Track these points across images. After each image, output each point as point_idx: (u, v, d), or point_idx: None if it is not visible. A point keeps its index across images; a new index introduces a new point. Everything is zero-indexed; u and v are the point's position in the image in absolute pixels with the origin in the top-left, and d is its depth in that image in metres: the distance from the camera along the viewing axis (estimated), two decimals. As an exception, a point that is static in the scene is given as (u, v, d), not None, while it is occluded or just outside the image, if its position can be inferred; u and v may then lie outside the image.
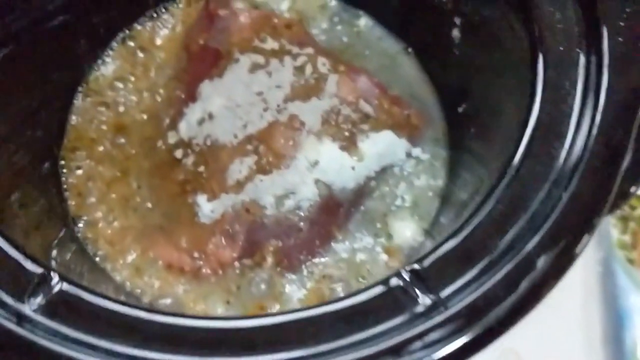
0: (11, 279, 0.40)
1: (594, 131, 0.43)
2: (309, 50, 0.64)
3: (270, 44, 0.64)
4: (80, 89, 0.67)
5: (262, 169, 0.59)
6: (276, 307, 0.58)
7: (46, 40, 0.60)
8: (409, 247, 0.61)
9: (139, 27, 0.70)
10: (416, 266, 0.40)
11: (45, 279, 0.40)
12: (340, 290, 0.59)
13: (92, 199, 0.63)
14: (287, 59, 0.63)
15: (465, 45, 0.60)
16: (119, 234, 0.61)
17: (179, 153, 0.61)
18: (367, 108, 0.62)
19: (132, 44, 0.69)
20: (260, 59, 0.63)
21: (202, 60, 0.66)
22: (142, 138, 0.65)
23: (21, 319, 0.38)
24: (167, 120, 0.64)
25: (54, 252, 0.55)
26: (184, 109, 0.63)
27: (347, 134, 0.61)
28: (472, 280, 0.39)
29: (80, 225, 0.62)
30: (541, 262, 0.39)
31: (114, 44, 0.69)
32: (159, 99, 0.67)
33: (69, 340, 0.37)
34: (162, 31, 0.70)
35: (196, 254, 0.59)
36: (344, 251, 0.61)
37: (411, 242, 0.61)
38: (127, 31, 0.69)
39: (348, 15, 0.71)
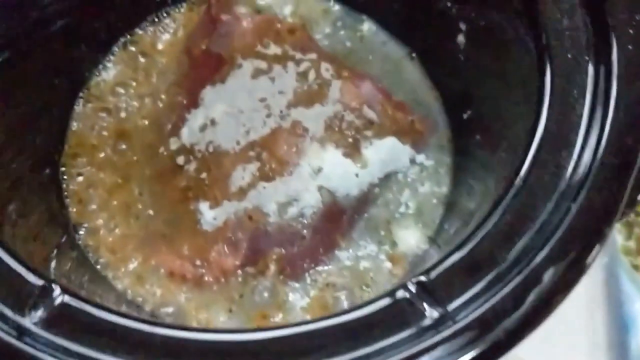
0: (11, 291, 0.39)
1: (603, 140, 0.42)
2: (312, 55, 0.63)
3: (273, 50, 0.64)
4: (81, 94, 0.67)
5: (265, 176, 0.58)
6: (279, 316, 0.58)
7: (46, 44, 0.60)
8: (413, 255, 0.60)
9: (140, 32, 0.69)
10: (423, 278, 0.39)
11: (46, 291, 0.39)
12: (343, 299, 0.58)
13: (93, 206, 0.62)
14: (290, 65, 0.62)
15: (470, 51, 0.59)
16: (121, 241, 0.61)
17: (181, 159, 0.61)
18: (371, 114, 0.61)
19: (133, 48, 0.69)
20: (263, 65, 0.63)
21: (204, 66, 0.65)
22: (143, 144, 0.64)
23: (22, 332, 0.37)
24: (169, 126, 0.64)
25: (55, 261, 0.55)
26: (186, 115, 0.62)
27: (350, 140, 0.60)
28: (480, 293, 0.38)
29: (81, 232, 0.61)
30: (550, 275, 0.38)
31: (115, 49, 0.68)
32: (160, 104, 0.66)
33: (71, 354, 0.37)
34: (164, 36, 0.69)
35: (198, 262, 0.58)
36: (348, 259, 0.60)
37: (415, 250, 0.60)
38: (128, 36, 0.69)
39: (351, 20, 0.70)
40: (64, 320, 0.38)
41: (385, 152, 0.60)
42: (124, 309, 0.55)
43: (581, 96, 0.44)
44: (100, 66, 0.68)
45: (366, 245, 0.61)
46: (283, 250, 0.59)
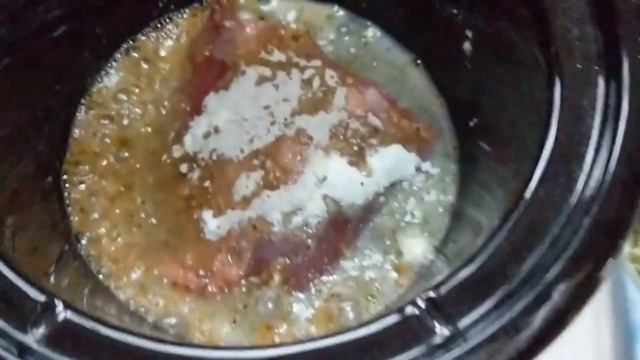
0: (12, 307, 0.39)
1: (615, 152, 0.42)
2: (317, 62, 0.63)
3: (277, 56, 0.63)
4: (82, 101, 0.66)
5: (269, 185, 0.58)
6: (283, 327, 0.57)
7: (48, 50, 0.59)
8: (419, 265, 0.60)
9: (142, 38, 0.69)
10: (432, 294, 0.39)
11: (49, 307, 0.39)
12: (349, 310, 0.57)
13: (95, 215, 0.61)
14: (295, 72, 0.62)
15: (477, 59, 0.58)
16: (123, 250, 0.60)
17: (184, 167, 0.60)
18: (376, 122, 0.61)
19: (136, 55, 0.68)
20: (267, 72, 0.62)
21: (208, 72, 0.64)
22: (146, 152, 0.64)
23: (23, 350, 0.37)
24: (172, 134, 0.63)
25: (56, 272, 0.54)
26: (189, 122, 0.62)
27: (355, 148, 0.59)
28: (491, 310, 0.37)
29: (83, 241, 0.60)
30: (563, 291, 0.37)
31: (118, 55, 0.68)
32: (163, 111, 0.66)
33: (74, 373, 0.36)
34: (167, 42, 0.68)
35: (202, 272, 0.58)
36: (353, 269, 0.60)
37: (421, 260, 0.60)
38: (130, 42, 0.68)
39: (356, 26, 0.70)
40: (66, 338, 0.37)
41: (390, 160, 0.60)
42: (126, 320, 0.55)
43: (591, 107, 0.43)
44: (103, 72, 0.67)
45: (371, 254, 0.60)
46: (287, 260, 0.58)
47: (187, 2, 0.70)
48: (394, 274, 0.59)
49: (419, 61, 0.68)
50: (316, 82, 0.61)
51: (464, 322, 0.37)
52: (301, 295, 0.58)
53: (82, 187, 0.62)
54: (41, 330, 0.37)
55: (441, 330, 0.37)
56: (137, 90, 0.66)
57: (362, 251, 0.60)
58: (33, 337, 0.37)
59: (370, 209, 0.60)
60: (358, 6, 0.69)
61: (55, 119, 0.63)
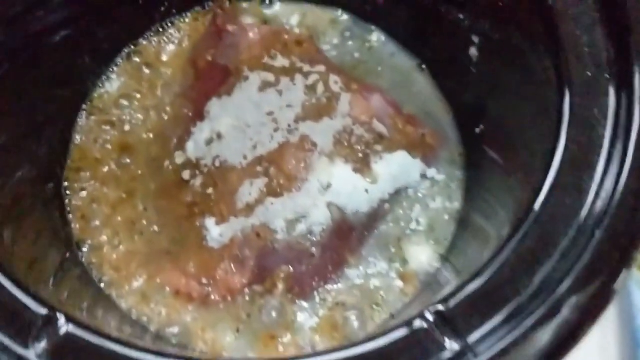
0: (13, 320, 0.38)
1: (627, 162, 0.41)
2: (321, 67, 0.62)
3: (281, 62, 0.62)
4: (84, 106, 0.65)
5: (273, 192, 0.57)
6: (287, 337, 0.56)
7: (47, 55, 0.58)
8: (425, 273, 0.59)
9: (144, 43, 0.68)
10: (441, 307, 0.38)
11: (50, 321, 0.38)
12: (354, 319, 0.57)
13: (97, 222, 0.61)
14: (299, 77, 0.61)
15: (483, 64, 0.58)
16: (125, 258, 0.59)
17: (186, 174, 0.60)
18: (381, 128, 0.60)
19: (137, 59, 0.67)
20: (270, 77, 0.61)
21: (210, 78, 0.64)
22: (148, 158, 0.63)
23: (25, 365, 0.36)
24: (174, 140, 0.62)
25: (57, 281, 0.53)
26: (192, 128, 0.61)
27: (360, 155, 0.59)
28: (502, 324, 0.37)
29: (85, 249, 0.60)
30: (575, 305, 0.37)
31: (119, 60, 0.67)
32: (165, 117, 0.65)
33: (76, 390, 0.35)
34: (169, 46, 0.68)
35: (204, 280, 0.57)
36: (358, 277, 0.59)
37: (427, 268, 0.59)
38: (132, 46, 0.68)
39: (360, 30, 0.69)
40: (68, 352, 0.37)
41: (395, 166, 0.59)
42: (128, 330, 0.54)
43: (602, 116, 0.43)
44: (104, 78, 0.66)
45: (376, 262, 0.60)
46: (291, 269, 0.57)
47: (189, 6, 0.69)
48: (400, 283, 0.59)
49: (424, 66, 0.67)
50: (320, 88, 0.60)
51: (474, 337, 0.36)
52: (305, 304, 0.58)
53: (84, 194, 0.62)
54: (43, 345, 0.37)
55: (451, 345, 0.36)
56: (138, 96, 0.66)
57: (367, 259, 0.60)
58: (34, 352, 0.36)
59: (375, 217, 0.60)
60: (362, 10, 0.68)
61: (55, 124, 0.62)
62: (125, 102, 0.65)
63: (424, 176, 0.62)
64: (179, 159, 0.61)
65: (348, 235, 0.58)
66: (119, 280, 0.58)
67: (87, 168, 0.63)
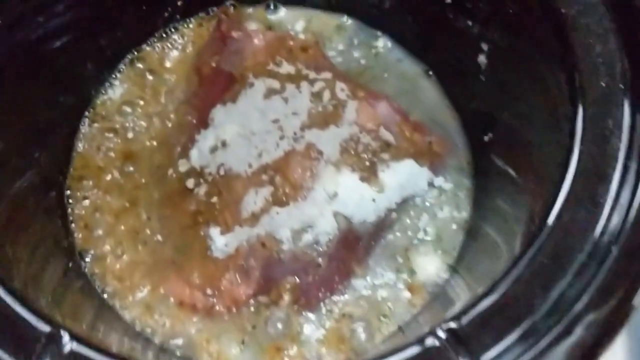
0: (16, 338, 0.37)
1: (644, 175, 0.40)
2: (327, 74, 0.61)
3: (286, 68, 0.61)
4: (86, 113, 0.65)
5: (279, 201, 0.56)
6: (294, 349, 0.56)
7: (49, 61, 0.58)
8: (433, 284, 0.58)
9: (147, 48, 0.67)
10: (453, 324, 0.37)
11: (54, 339, 0.37)
12: (361, 331, 0.56)
13: (100, 232, 0.60)
14: (304, 84, 0.60)
15: (492, 72, 0.57)
16: (128, 269, 0.58)
17: (190, 182, 0.59)
18: (388, 136, 0.59)
19: (140, 66, 0.66)
20: (275, 84, 0.60)
21: (214, 84, 0.63)
22: (151, 166, 0.62)
23: (28, 385, 0.35)
24: (178, 148, 0.62)
25: (60, 291, 0.53)
26: (196, 136, 0.60)
27: (367, 163, 0.58)
28: (516, 343, 0.36)
29: (87, 259, 0.59)
30: (592, 323, 0.36)
31: (122, 66, 0.66)
32: (169, 124, 0.64)
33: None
34: (172, 53, 0.67)
35: (209, 291, 0.56)
36: (365, 288, 0.58)
37: (435, 279, 0.58)
38: (135, 52, 0.67)
39: (366, 36, 0.68)
40: (73, 372, 0.36)
41: (403, 175, 0.58)
42: (132, 342, 0.53)
43: (617, 127, 0.42)
44: (107, 84, 0.66)
45: (383, 273, 0.59)
46: (297, 279, 0.56)
47: (193, 12, 0.68)
48: (407, 294, 0.58)
49: (430, 72, 0.66)
50: (326, 95, 0.59)
51: (487, 356, 0.36)
52: (311, 316, 0.57)
53: (86, 202, 0.61)
54: (46, 364, 0.36)
55: (464, 365, 0.35)
56: (142, 103, 0.65)
57: (373, 270, 0.59)
58: (38, 371, 0.35)
59: (382, 226, 0.59)
60: (368, 16, 0.68)
61: (57, 132, 0.62)
62: (128, 109, 0.64)
63: (431, 185, 0.61)
64: (183, 167, 0.60)
65: (355, 245, 0.58)
66: (123, 291, 0.58)
67: (90, 176, 0.62)
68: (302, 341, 0.56)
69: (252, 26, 0.66)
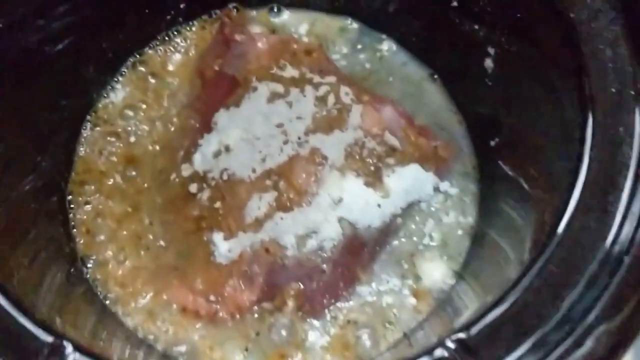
0: (19, 349, 0.37)
1: (656, 183, 0.39)
2: (331, 78, 0.60)
3: (290, 72, 0.61)
4: (88, 117, 0.64)
5: (283, 206, 0.55)
6: (298, 356, 0.55)
7: (50, 65, 0.57)
8: (439, 290, 0.58)
9: (150, 52, 0.66)
10: (462, 335, 0.37)
11: (57, 350, 0.37)
12: (366, 338, 0.55)
13: (102, 237, 0.59)
14: (308, 88, 0.59)
15: (499, 77, 0.56)
16: (131, 274, 0.58)
17: (193, 187, 0.58)
18: (393, 140, 0.59)
19: (143, 69, 0.66)
20: (279, 88, 0.60)
21: (217, 88, 0.62)
22: (154, 171, 0.62)
23: (30, 397, 0.35)
24: (181, 152, 0.61)
25: (62, 298, 0.52)
26: (199, 140, 0.60)
27: (372, 168, 0.57)
28: (527, 354, 0.35)
29: (89, 265, 0.58)
30: (605, 334, 0.35)
31: (124, 70, 0.66)
32: (172, 128, 0.64)
33: None
34: (175, 56, 0.66)
35: (212, 297, 0.56)
36: (369, 294, 0.58)
37: (441, 285, 0.58)
38: (137, 56, 0.66)
39: (370, 39, 0.68)
40: (76, 384, 0.35)
41: (408, 180, 0.58)
42: (134, 350, 0.53)
43: (628, 135, 0.41)
44: (109, 87, 0.65)
45: (389, 279, 0.58)
46: (301, 286, 0.56)
47: (196, 15, 0.67)
48: (413, 300, 0.57)
49: (435, 76, 0.66)
50: (331, 100, 0.59)
51: (498, 368, 0.35)
52: (316, 322, 0.56)
53: (88, 207, 0.60)
54: (49, 375, 0.35)
55: (474, 377, 0.35)
56: (144, 106, 0.64)
57: (379, 276, 0.58)
58: (40, 384, 0.35)
59: (387, 232, 0.58)
60: (372, 18, 0.67)
61: (59, 135, 0.61)
62: (130, 113, 0.64)
63: (436, 189, 0.60)
64: (186, 171, 0.59)
65: (359, 251, 0.57)
66: (125, 297, 0.57)
67: (92, 181, 0.61)
68: (306, 348, 0.56)
69: (255, 29, 0.65)
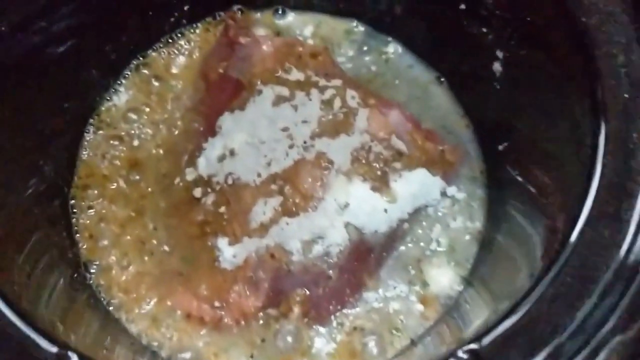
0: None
1: (670, 191, 0.39)
2: (337, 81, 0.60)
3: (295, 75, 0.60)
4: (91, 120, 0.63)
5: (288, 211, 0.55)
6: (304, 363, 0.54)
7: (52, 67, 0.56)
8: (446, 297, 0.57)
9: (153, 54, 0.66)
10: (474, 346, 0.36)
11: (61, 360, 0.36)
12: (373, 345, 0.55)
13: (105, 242, 0.59)
14: (314, 92, 0.59)
15: (508, 81, 0.56)
16: (134, 280, 0.57)
17: (197, 192, 0.57)
18: (400, 144, 0.58)
19: (146, 71, 0.65)
20: (284, 91, 0.59)
21: (222, 91, 0.62)
22: (158, 175, 0.61)
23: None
24: (185, 156, 0.60)
25: (65, 304, 0.51)
26: (203, 144, 0.59)
27: (379, 173, 0.57)
28: (541, 366, 0.35)
29: (93, 271, 0.58)
30: (619, 346, 0.34)
31: (127, 72, 0.65)
32: (176, 132, 0.63)
33: None
34: (179, 58, 0.66)
35: (217, 303, 0.55)
36: (376, 300, 0.57)
37: (448, 291, 0.57)
38: (140, 58, 0.65)
39: (376, 42, 0.67)
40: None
41: (415, 184, 0.57)
42: (138, 357, 0.52)
43: (642, 141, 0.40)
44: (111, 90, 0.64)
45: (395, 285, 0.58)
46: (307, 292, 0.55)
47: (200, 17, 0.67)
48: (420, 306, 0.57)
49: (442, 79, 0.65)
50: (337, 103, 0.58)
51: (511, 380, 0.34)
52: (322, 329, 0.56)
53: (91, 212, 0.60)
54: (54, 388, 0.35)
55: (488, 390, 0.34)
56: (147, 110, 0.64)
57: (385, 282, 0.58)
58: (45, 397, 0.34)
59: (394, 237, 0.58)
60: (378, 21, 0.66)
61: (61, 139, 0.60)
62: (133, 116, 0.63)
63: (444, 194, 0.60)
64: (190, 175, 0.58)
65: (366, 257, 0.56)
66: (129, 303, 0.57)
67: (95, 185, 0.61)
68: (312, 355, 0.55)
69: (260, 32, 0.65)
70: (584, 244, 0.38)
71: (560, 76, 0.47)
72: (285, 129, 0.57)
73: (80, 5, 0.56)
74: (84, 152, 0.62)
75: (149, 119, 0.63)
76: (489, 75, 0.57)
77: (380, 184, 0.56)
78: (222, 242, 0.55)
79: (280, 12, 0.68)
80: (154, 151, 0.62)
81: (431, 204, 0.60)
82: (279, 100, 0.59)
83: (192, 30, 0.67)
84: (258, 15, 0.67)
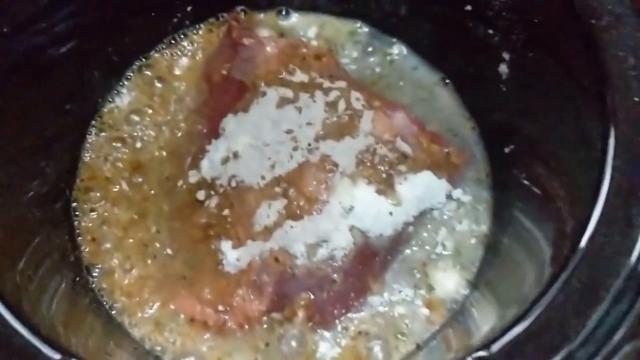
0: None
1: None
2: (341, 83, 0.59)
3: (299, 77, 0.60)
4: (93, 122, 0.63)
5: (292, 214, 0.54)
6: (309, 368, 0.54)
7: (54, 68, 0.56)
8: (452, 301, 0.56)
9: (156, 55, 0.65)
10: (483, 353, 0.35)
11: (64, 368, 0.35)
12: (378, 350, 0.54)
13: (107, 245, 0.58)
14: (318, 94, 0.58)
15: (514, 83, 0.55)
16: (137, 284, 0.57)
17: (201, 194, 0.57)
18: (405, 147, 0.57)
19: (149, 73, 0.65)
20: (288, 93, 0.59)
21: (225, 93, 0.61)
22: (161, 177, 0.60)
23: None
24: (188, 158, 0.60)
25: (67, 308, 0.51)
26: (206, 146, 0.58)
27: (384, 175, 0.56)
28: (551, 375, 0.34)
29: (95, 274, 0.57)
30: (630, 354, 0.34)
31: (130, 74, 0.65)
32: (179, 134, 0.62)
33: None
34: (182, 60, 0.65)
35: (221, 307, 0.55)
36: (381, 305, 0.57)
37: (454, 295, 0.57)
38: (143, 59, 0.65)
39: (380, 43, 0.67)
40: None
41: (420, 187, 0.56)
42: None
43: (652, 145, 0.40)
44: (114, 92, 0.64)
45: (401, 289, 0.57)
46: (312, 296, 0.55)
47: (203, 18, 0.66)
48: (425, 310, 0.56)
49: (447, 81, 0.64)
50: (341, 105, 0.58)
51: (522, 390, 0.34)
52: (326, 334, 0.55)
53: (94, 215, 0.59)
54: (57, 395, 0.34)
55: (497, 399, 0.33)
56: (150, 111, 0.63)
57: (390, 286, 0.57)
58: (48, 405, 0.34)
59: (399, 240, 0.57)
60: (383, 22, 0.66)
61: (64, 141, 0.60)
62: (136, 118, 0.63)
63: (449, 197, 0.59)
64: (193, 178, 0.58)
65: (371, 260, 0.56)
66: (131, 307, 0.56)
67: (97, 187, 0.60)
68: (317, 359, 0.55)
69: (263, 33, 0.64)
70: (594, 249, 0.38)
71: (567, 79, 0.47)
72: (289, 131, 0.57)
73: (82, 6, 0.56)
74: (86, 154, 0.61)
75: (151, 121, 0.63)
76: (495, 77, 0.57)
77: (385, 186, 0.56)
78: (226, 246, 0.54)
79: (283, 13, 0.67)
80: (156, 153, 0.62)
81: (436, 207, 0.59)
82: (282, 102, 0.58)
83: (195, 32, 0.66)
84: (261, 16, 0.67)
